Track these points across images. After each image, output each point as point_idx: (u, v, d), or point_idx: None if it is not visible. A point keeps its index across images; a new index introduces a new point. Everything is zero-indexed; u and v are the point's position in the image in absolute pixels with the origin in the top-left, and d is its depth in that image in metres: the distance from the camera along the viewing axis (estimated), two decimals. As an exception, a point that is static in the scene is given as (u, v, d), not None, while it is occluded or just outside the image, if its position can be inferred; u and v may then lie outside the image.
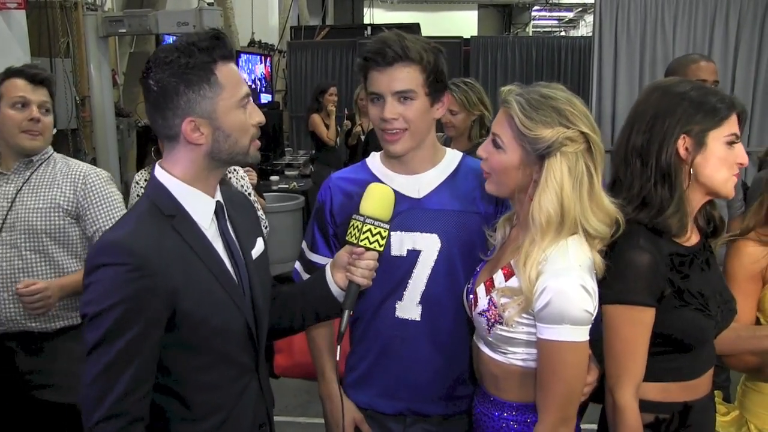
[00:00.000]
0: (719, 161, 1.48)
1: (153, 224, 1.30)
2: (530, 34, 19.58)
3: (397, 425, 1.72)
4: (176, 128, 1.31)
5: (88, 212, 2.15)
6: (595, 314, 1.40)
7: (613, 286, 1.44)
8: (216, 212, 1.40)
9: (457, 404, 1.70)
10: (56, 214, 2.12)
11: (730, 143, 1.48)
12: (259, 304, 1.43)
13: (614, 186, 1.55)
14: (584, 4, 19.06)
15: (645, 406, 1.49)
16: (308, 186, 6.34)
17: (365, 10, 15.32)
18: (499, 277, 1.49)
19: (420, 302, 1.66)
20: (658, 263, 1.45)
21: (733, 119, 1.49)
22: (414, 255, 1.65)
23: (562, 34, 23.78)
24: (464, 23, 17.08)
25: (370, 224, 1.44)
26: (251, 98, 1.38)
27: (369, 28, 10.38)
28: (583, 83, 7.76)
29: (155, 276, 1.23)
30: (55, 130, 2.26)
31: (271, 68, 9.66)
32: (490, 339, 1.50)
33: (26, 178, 2.15)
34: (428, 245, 1.64)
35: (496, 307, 1.46)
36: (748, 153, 1.54)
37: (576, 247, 1.41)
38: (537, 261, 1.39)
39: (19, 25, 4.67)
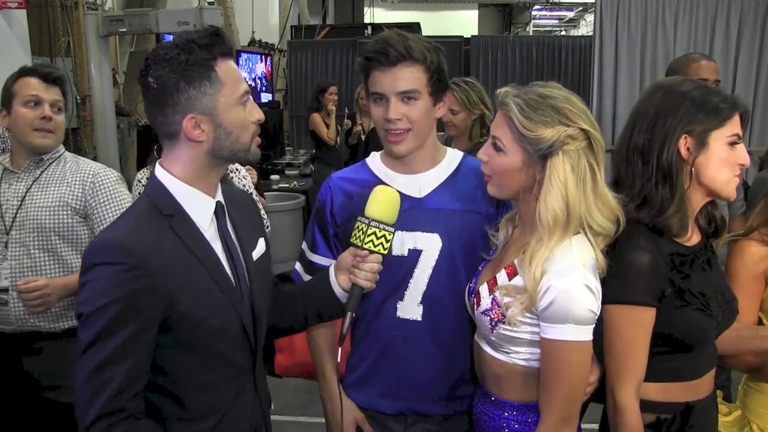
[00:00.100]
0: (721, 162, 1.48)
1: (152, 224, 1.30)
2: (530, 33, 19.57)
3: (398, 425, 1.72)
4: (176, 125, 1.31)
5: (96, 211, 2.15)
6: (598, 314, 1.40)
7: (613, 286, 1.44)
8: (216, 212, 1.39)
9: (458, 404, 1.70)
10: (65, 212, 2.12)
11: (732, 144, 1.48)
12: (257, 306, 1.42)
13: (616, 185, 1.54)
14: (585, 4, 19.05)
15: (646, 406, 1.49)
16: (309, 185, 6.34)
17: (365, 9, 15.32)
18: (502, 277, 1.49)
19: (421, 302, 1.66)
20: (658, 263, 1.45)
21: (736, 120, 1.48)
22: (415, 255, 1.64)
23: (563, 33, 23.79)
24: (464, 23, 17.07)
25: (375, 227, 1.43)
26: (250, 96, 1.38)
27: (369, 27, 10.38)
28: (583, 83, 7.77)
29: (153, 276, 1.23)
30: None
31: (271, 67, 9.66)
32: (493, 339, 1.49)
33: (36, 176, 2.16)
34: (429, 245, 1.64)
35: (499, 307, 1.46)
36: (749, 153, 1.53)
37: (580, 247, 1.41)
38: (543, 260, 1.39)
39: (20, 25, 4.68)
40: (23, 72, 2.17)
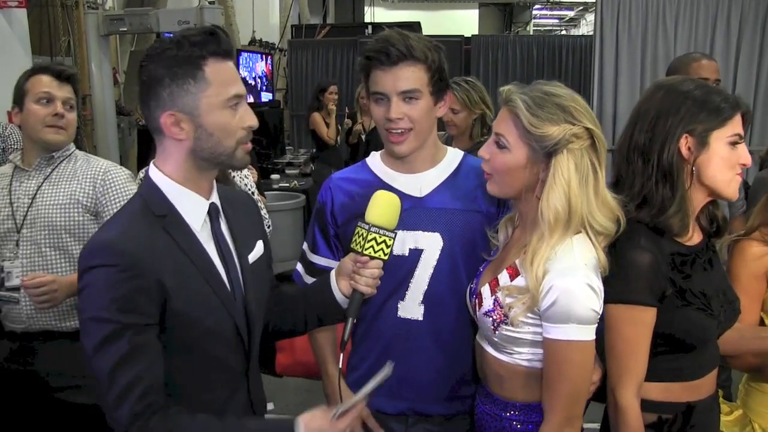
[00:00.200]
0: (722, 161, 1.47)
1: (144, 223, 1.28)
2: (531, 33, 19.57)
3: (399, 425, 1.71)
4: (157, 121, 1.29)
5: (107, 209, 2.14)
6: (601, 313, 1.40)
7: (614, 286, 1.43)
8: (209, 214, 1.37)
9: (460, 404, 1.70)
10: (75, 209, 2.12)
11: (734, 143, 1.48)
12: (251, 308, 1.40)
13: (616, 185, 1.54)
14: (585, 3, 19.04)
15: (648, 406, 1.49)
16: (309, 185, 6.34)
17: (366, 8, 15.32)
18: (503, 277, 1.49)
19: (422, 302, 1.65)
20: (659, 263, 1.45)
21: (737, 119, 1.48)
22: (416, 254, 1.64)
23: (563, 33, 23.77)
24: (465, 22, 17.08)
25: (375, 233, 1.42)
26: (244, 100, 1.34)
27: (370, 26, 10.38)
28: (584, 82, 7.77)
29: (147, 276, 1.22)
30: None
31: (272, 67, 9.66)
32: (495, 339, 1.49)
33: (47, 174, 2.16)
34: (430, 244, 1.64)
35: (501, 307, 1.46)
36: (749, 152, 1.53)
37: (581, 246, 1.41)
38: (544, 259, 1.39)
39: (21, 24, 4.68)
40: (36, 70, 2.18)
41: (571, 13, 22.64)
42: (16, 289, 2.10)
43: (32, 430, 2.20)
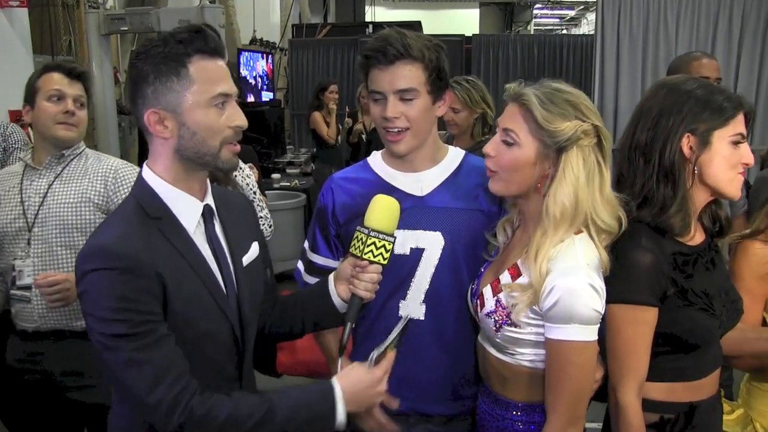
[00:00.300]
0: (724, 161, 1.47)
1: (140, 225, 1.27)
2: (532, 32, 19.55)
3: (400, 425, 1.70)
4: (142, 119, 1.29)
5: None
6: (603, 313, 1.40)
7: (615, 286, 1.43)
8: (204, 215, 1.36)
9: (461, 404, 1.69)
10: (87, 208, 2.11)
11: (736, 143, 1.47)
12: (245, 311, 1.39)
13: (618, 184, 1.54)
14: (586, 2, 19.04)
15: (650, 405, 1.49)
16: (309, 184, 6.33)
17: (367, 8, 15.30)
18: (505, 278, 1.48)
19: (424, 301, 1.65)
20: (660, 263, 1.44)
21: (740, 119, 1.48)
22: (417, 253, 1.64)
23: (564, 32, 23.76)
24: (466, 21, 17.08)
25: (375, 237, 1.42)
26: (232, 98, 1.32)
27: (370, 26, 10.37)
28: (585, 81, 7.76)
29: (147, 277, 1.21)
30: None
31: (272, 66, 9.65)
32: (497, 340, 1.49)
33: (58, 172, 2.16)
34: (432, 243, 1.63)
35: (503, 309, 1.46)
36: (751, 152, 1.53)
37: (583, 246, 1.41)
38: (548, 254, 1.38)
39: (22, 23, 4.68)
40: (47, 68, 2.18)
41: (571, 13, 22.63)
42: (27, 287, 2.10)
43: (44, 429, 2.20)
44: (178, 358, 1.23)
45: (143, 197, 1.31)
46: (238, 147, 1.35)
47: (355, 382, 1.32)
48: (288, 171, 7.16)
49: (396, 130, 1.60)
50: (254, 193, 2.83)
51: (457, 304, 1.65)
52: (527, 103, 1.42)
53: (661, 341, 1.47)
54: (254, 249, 1.47)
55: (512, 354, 1.48)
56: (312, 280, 1.76)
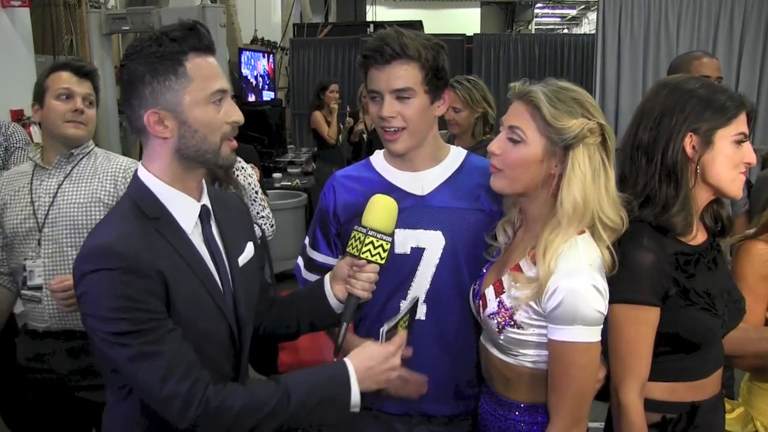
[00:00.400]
0: (726, 160, 1.47)
1: (139, 225, 1.26)
2: (533, 31, 19.54)
3: (402, 425, 1.71)
4: (141, 120, 1.27)
5: None
6: (606, 314, 1.40)
7: (617, 286, 1.43)
8: (201, 216, 1.35)
9: (463, 404, 1.69)
10: (97, 208, 2.11)
11: (739, 142, 1.47)
12: (241, 311, 1.38)
13: (621, 183, 1.54)
14: (587, 2, 19.03)
15: (652, 405, 1.49)
16: (310, 183, 6.33)
17: (368, 7, 15.28)
18: (508, 279, 1.48)
19: (425, 301, 1.65)
20: (662, 262, 1.44)
21: (742, 118, 1.48)
22: (418, 253, 1.64)
23: (565, 31, 23.75)
24: (467, 20, 17.05)
25: (372, 236, 1.42)
26: (227, 95, 1.32)
27: (372, 25, 10.36)
28: (586, 81, 7.75)
29: (148, 277, 1.20)
30: None
31: (273, 65, 9.65)
32: (500, 341, 1.48)
33: (67, 172, 2.15)
34: (432, 243, 1.63)
35: (506, 310, 1.45)
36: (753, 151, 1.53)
37: (586, 246, 1.41)
38: (557, 251, 1.38)
39: (23, 23, 4.69)
40: (56, 66, 2.18)
41: (573, 12, 22.61)
42: (38, 288, 2.10)
43: (54, 428, 2.20)
44: (188, 351, 1.22)
45: (140, 197, 1.30)
46: (236, 143, 1.35)
47: (367, 359, 1.32)
48: (289, 170, 7.16)
49: (392, 129, 1.60)
50: (256, 192, 2.83)
51: (458, 304, 1.65)
52: (535, 101, 1.42)
53: (663, 341, 1.47)
54: (249, 249, 1.47)
55: (515, 355, 1.48)
56: (311, 276, 1.76)
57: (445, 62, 1.62)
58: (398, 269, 1.64)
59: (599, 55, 5.89)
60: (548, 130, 1.41)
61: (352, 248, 1.43)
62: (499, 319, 1.46)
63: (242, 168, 2.83)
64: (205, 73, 1.28)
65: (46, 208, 2.11)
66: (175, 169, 1.31)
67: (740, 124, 1.47)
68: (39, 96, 2.15)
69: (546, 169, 1.43)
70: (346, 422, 1.77)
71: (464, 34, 9.91)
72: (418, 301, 1.48)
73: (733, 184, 1.49)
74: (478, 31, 13.89)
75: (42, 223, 2.10)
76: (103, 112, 5.63)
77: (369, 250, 1.41)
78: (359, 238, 1.43)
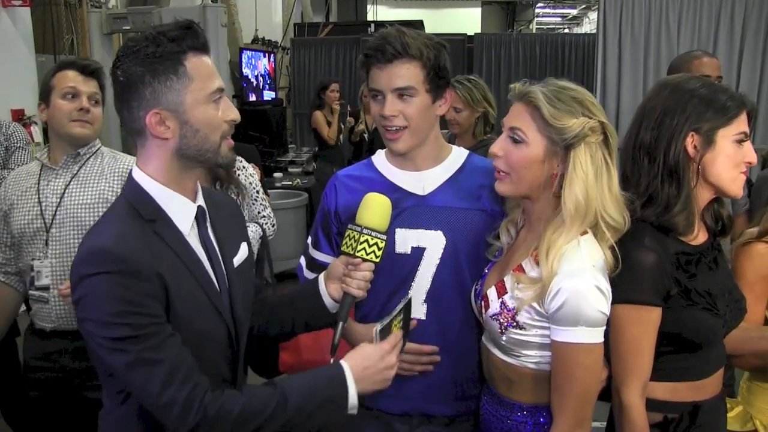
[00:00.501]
0: (728, 160, 1.47)
1: (136, 227, 1.25)
2: (534, 31, 19.54)
3: (402, 426, 1.71)
4: (141, 121, 1.25)
5: None
6: (609, 315, 1.39)
7: (618, 286, 1.43)
8: (196, 217, 1.34)
9: (464, 405, 1.69)
10: (104, 209, 2.08)
11: (740, 141, 1.47)
12: (238, 312, 1.38)
13: (622, 183, 1.54)
14: (588, 1, 19.02)
15: (654, 405, 1.49)
16: (311, 183, 6.33)
17: (369, 6, 15.29)
18: (510, 279, 1.48)
19: (425, 300, 1.65)
20: (663, 262, 1.44)
21: (743, 117, 1.48)
22: (418, 252, 1.64)
23: (566, 31, 23.75)
24: (468, 20, 17.06)
25: (367, 234, 1.41)
26: (224, 94, 1.32)
27: (372, 25, 10.36)
28: (587, 80, 7.75)
29: (150, 279, 1.19)
30: None
31: (274, 65, 9.65)
32: (502, 342, 1.48)
33: (74, 172, 2.15)
34: (433, 242, 1.63)
35: (509, 310, 1.45)
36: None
37: (589, 247, 1.40)
38: (560, 252, 1.38)
39: (24, 22, 4.69)
40: (61, 65, 2.18)
41: (573, 12, 22.61)
42: (45, 288, 2.11)
43: (62, 428, 2.20)
44: (187, 356, 1.21)
45: (135, 199, 1.28)
46: (232, 142, 1.35)
47: (362, 359, 1.31)
48: (290, 170, 7.16)
49: (394, 128, 1.60)
50: (257, 192, 2.83)
51: (459, 304, 1.64)
52: (534, 101, 1.42)
53: (664, 341, 1.47)
54: (244, 249, 1.47)
55: (517, 356, 1.48)
56: (313, 276, 1.75)
57: (447, 61, 1.62)
58: (399, 269, 1.64)
59: (600, 54, 5.88)
60: (549, 130, 1.41)
61: (347, 247, 1.43)
62: (502, 320, 1.46)
63: (243, 168, 2.83)
64: (204, 72, 1.27)
65: (54, 208, 2.11)
66: (172, 170, 1.30)
67: (741, 124, 1.47)
68: (45, 95, 2.15)
69: (548, 169, 1.43)
70: (347, 423, 1.78)
71: (465, 34, 9.91)
72: (411, 300, 1.47)
73: (734, 184, 1.50)
74: (478, 30, 13.89)
75: (49, 224, 2.10)
76: (104, 111, 5.63)
77: (364, 249, 1.41)
78: (354, 236, 1.42)
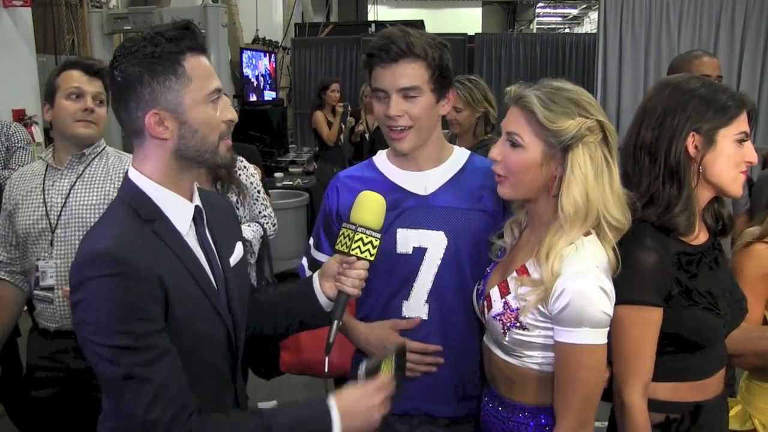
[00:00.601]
0: (728, 159, 1.47)
1: (136, 228, 1.24)
2: (534, 31, 19.54)
3: (403, 426, 1.70)
4: (139, 121, 1.25)
5: None
6: (612, 315, 1.39)
7: (620, 286, 1.42)
8: (194, 217, 1.34)
9: (465, 406, 1.68)
10: None
11: (740, 141, 1.47)
12: (236, 312, 1.37)
13: (623, 182, 1.54)
14: (588, 1, 19.01)
15: (655, 405, 1.48)
16: (312, 183, 6.33)
17: (369, 6, 15.29)
18: (514, 280, 1.47)
19: (427, 301, 1.65)
20: (664, 263, 1.44)
21: (743, 117, 1.48)
22: (420, 252, 1.64)
23: (567, 30, 23.74)
24: (468, 20, 17.05)
25: (362, 233, 1.40)
26: (222, 94, 1.32)
27: (373, 25, 10.36)
28: (587, 80, 7.75)
29: (150, 281, 1.18)
30: None
31: (275, 65, 9.65)
32: (505, 343, 1.48)
33: (80, 172, 2.15)
34: (434, 243, 1.63)
35: (512, 311, 1.45)
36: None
37: (592, 248, 1.40)
38: (561, 253, 1.38)
39: (25, 23, 4.70)
40: (66, 65, 2.17)
41: (574, 11, 22.61)
42: (50, 288, 2.11)
43: (67, 427, 2.20)
44: (178, 375, 1.20)
45: (133, 200, 1.28)
46: (230, 142, 1.35)
47: (349, 397, 1.29)
48: (291, 170, 7.16)
49: (399, 128, 1.59)
50: (258, 192, 2.83)
51: (460, 305, 1.64)
52: (528, 105, 1.41)
53: (666, 341, 1.47)
54: (239, 249, 1.47)
55: (519, 356, 1.48)
56: None
57: (449, 61, 1.62)
58: (400, 269, 1.64)
59: (601, 54, 5.89)
60: (545, 133, 1.40)
61: (341, 245, 1.42)
62: (505, 320, 1.46)
63: (244, 167, 2.83)
64: (202, 72, 1.27)
65: (59, 209, 2.11)
66: (170, 170, 1.29)
67: (741, 124, 1.47)
68: (50, 95, 2.15)
69: (547, 172, 1.42)
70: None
71: (466, 34, 9.92)
72: (405, 348, 1.44)
73: (735, 183, 1.50)
74: (479, 30, 13.90)
75: (55, 225, 2.10)
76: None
77: (358, 247, 1.40)
78: (348, 234, 1.42)
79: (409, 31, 1.59)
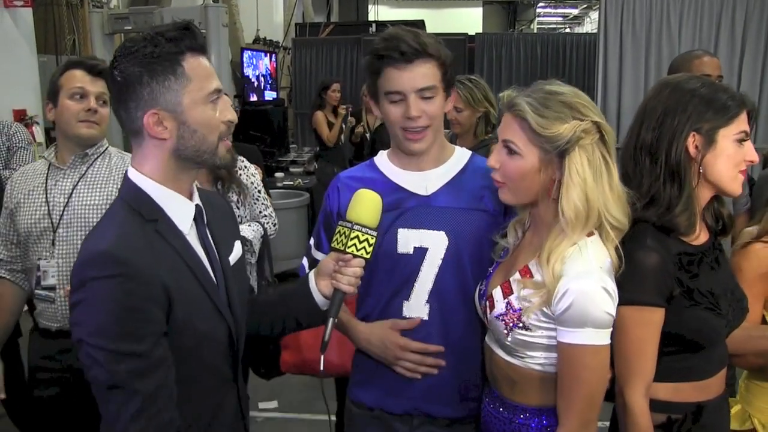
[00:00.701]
0: (729, 159, 1.47)
1: (138, 228, 1.24)
2: (535, 30, 19.54)
3: (403, 426, 1.70)
4: (138, 121, 1.25)
5: None
6: (615, 316, 1.39)
7: (621, 287, 1.42)
8: (195, 217, 1.34)
9: (466, 407, 1.68)
10: None
11: (740, 141, 1.47)
12: (236, 311, 1.38)
13: (623, 182, 1.54)
14: (589, 1, 19.01)
15: (657, 406, 1.48)
16: (313, 183, 6.33)
17: (370, 6, 15.30)
18: (516, 281, 1.47)
19: (428, 301, 1.65)
20: (666, 263, 1.44)
21: (743, 117, 1.48)
22: (421, 252, 1.63)
23: (567, 30, 23.73)
24: (469, 20, 17.05)
25: (358, 231, 1.40)
26: (222, 94, 1.31)
27: (374, 25, 10.37)
28: (588, 80, 7.76)
29: (152, 283, 1.18)
30: None
31: (276, 65, 9.66)
32: (507, 343, 1.47)
33: (82, 172, 2.15)
34: (435, 243, 1.63)
35: (514, 311, 1.45)
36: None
37: (595, 248, 1.40)
38: (562, 256, 1.38)
39: (26, 23, 4.70)
40: (69, 65, 2.17)
41: (575, 11, 22.61)
42: (51, 288, 2.11)
43: (69, 427, 2.19)
44: (168, 387, 1.19)
45: (134, 200, 1.28)
46: (229, 143, 1.35)
47: None
48: (291, 170, 7.16)
49: (418, 128, 1.59)
50: (259, 191, 2.84)
51: (462, 305, 1.64)
52: (521, 113, 1.40)
53: (667, 341, 1.47)
54: (238, 248, 1.47)
55: (522, 357, 1.47)
56: None
57: (452, 60, 1.63)
58: (401, 269, 1.64)
59: (601, 54, 5.89)
60: (539, 140, 1.39)
61: (338, 243, 1.42)
62: (507, 320, 1.45)
63: (245, 167, 2.84)
64: (202, 72, 1.27)
65: (61, 209, 2.11)
66: (169, 170, 1.29)
67: (741, 123, 1.47)
68: (53, 95, 2.14)
69: (545, 177, 1.42)
70: (347, 422, 1.78)
71: (466, 34, 9.92)
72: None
73: (734, 182, 1.50)
74: (480, 30, 13.90)
75: (57, 224, 2.10)
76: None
77: (354, 245, 1.40)
78: (344, 232, 1.41)
79: (417, 31, 1.59)
